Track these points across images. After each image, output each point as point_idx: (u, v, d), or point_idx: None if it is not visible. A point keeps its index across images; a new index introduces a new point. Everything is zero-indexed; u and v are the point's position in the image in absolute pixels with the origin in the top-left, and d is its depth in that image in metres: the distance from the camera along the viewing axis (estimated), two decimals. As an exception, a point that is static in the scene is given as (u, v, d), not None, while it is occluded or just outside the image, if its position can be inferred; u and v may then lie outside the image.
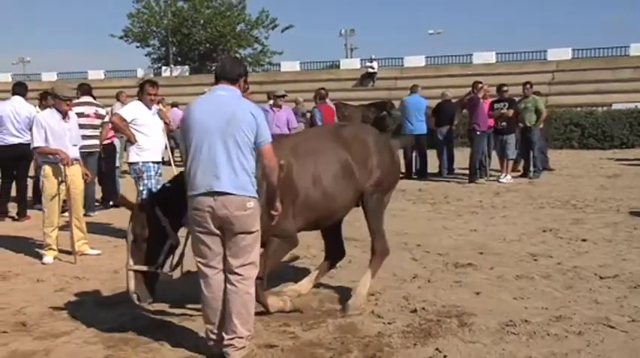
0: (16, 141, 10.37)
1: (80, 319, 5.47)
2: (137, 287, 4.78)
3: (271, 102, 12.27)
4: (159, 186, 8.44)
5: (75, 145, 7.92)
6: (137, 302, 4.82)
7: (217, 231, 4.48)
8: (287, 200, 5.04)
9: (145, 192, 8.29)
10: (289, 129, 11.60)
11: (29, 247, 8.40)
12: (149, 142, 8.41)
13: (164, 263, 4.92)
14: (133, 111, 8.50)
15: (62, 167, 7.63)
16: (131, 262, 4.81)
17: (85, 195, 10.86)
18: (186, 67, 47.03)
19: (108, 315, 5.51)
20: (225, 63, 4.86)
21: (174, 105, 20.83)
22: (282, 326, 5.22)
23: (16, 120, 10.38)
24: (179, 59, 50.12)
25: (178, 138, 5.43)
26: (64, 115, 7.79)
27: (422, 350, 4.63)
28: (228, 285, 4.52)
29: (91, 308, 5.76)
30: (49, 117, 7.75)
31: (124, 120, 8.40)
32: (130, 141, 8.44)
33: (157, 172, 8.53)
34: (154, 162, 8.46)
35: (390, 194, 6.12)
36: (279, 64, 45.80)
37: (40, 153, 7.84)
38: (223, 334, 4.54)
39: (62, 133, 7.70)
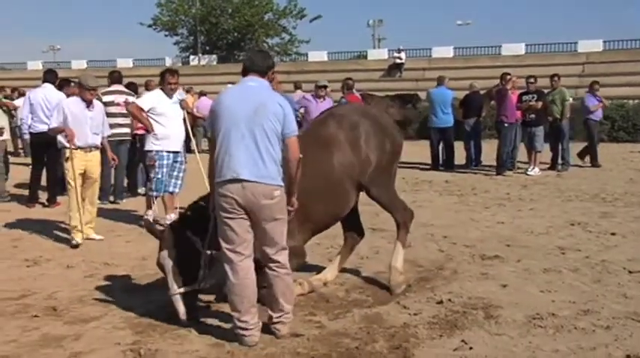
0: (46, 128, 10.49)
1: (109, 305, 5.56)
2: (187, 307, 4.95)
3: (308, 93, 12.33)
4: (176, 181, 8.63)
5: (96, 134, 8.13)
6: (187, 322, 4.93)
7: (245, 216, 4.56)
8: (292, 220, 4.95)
9: (154, 180, 8.49)
10: None
11: (60, 233, 8.53)
12: (166, 131, 8.50)
13: (205, 277, 5.02)
14: (152, 100, 8.61)
15: (67, 144, 7.86)
16: (175, 287, 4.93)
17: (115, 183, 11.06)
18: (214, 55, 47.16)
19: (136, 302, 5.58)
20: (255, 55, 4.95)
21: (202, 94, 20.93)
22: (308, 315, 5.25)
23: (46, 108, 10.49)
24: (207, 48, 50.27)
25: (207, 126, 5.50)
26: (89, 104, 8.02)
27: (448, 342, 4.62)
28: (269, 272, 4.70)
29: (120, 295, 5.83)
30: (73, 104, 8.08)
31: (142, 109, 8.52)
32: (148, 130, 8.55)
33: (175, 161, 8.66)
34: (169, 152, 8.56)
35: (395, 164, 5.97)
36: (307, 54, 45.76)
37: (51, 132, 8.20)
38: (271, 313, 4.75)
39: (84, 121, 7.98)
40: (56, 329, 5.01)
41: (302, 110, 11.91)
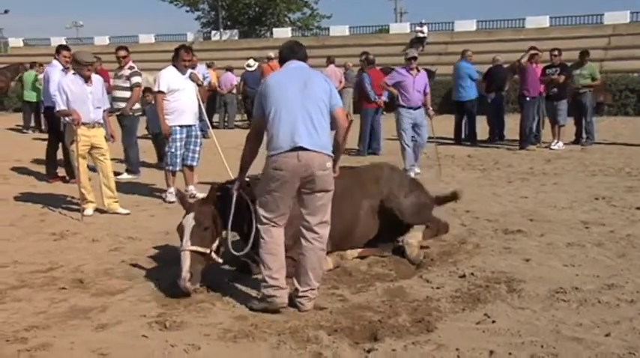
0: None
1: (134, 278, 5.64)
2: (192, 267, 5.01)
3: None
4: (193, 154, 8.73)
5: (98, 108, 8.25)
6: (185, 284, 4.97)
7: (292, 192, 4.75)
8: None
9: (168, 155, 8.71)
10: (424, 94, 10.94)
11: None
12: (179, 106, 8.64)
13: (218, 250, 5.25)
14: (167, 79, 8.68)
15: (74, 127, 7.98)
16: (189, 243, 5.06)
17: (127, 156, 11.15)
18: (236, 30, 46.91)
19: (160, 275, 5.64)
20: (293, 45, 5.22)
21: (228, 69, 20.92)
22: (331, 289, 5.28)
23: None
24: (228, 23, 50.05)
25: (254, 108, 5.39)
26: (87, 80, 8.14)
27: (470, 315, 4.63)
28: (305, 242, 4.84)
29: (144, 268, 5.91)
30: (71, 81, 8.18)
31: (164, 97, 8.63)
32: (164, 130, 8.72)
33: (189, 135, 8.77)
34: (182, 126, 8.70)
35: None
36: (328, 29, 45.36)
37: (58, 114, 8.40)
38: (297, 286, 4.84)
39: (84, 97, 8.10)
40: (83, 301, 5.09)
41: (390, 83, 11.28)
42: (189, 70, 8.95)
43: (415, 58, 11.08)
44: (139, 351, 4.12)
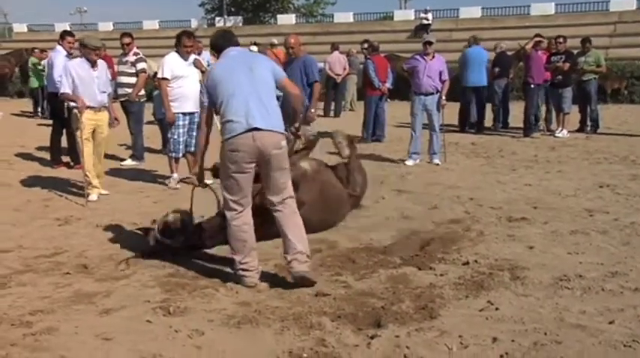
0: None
1: (138, 263, 5.65)
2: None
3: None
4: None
5: (103, 92, 8.34)
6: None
7: (251, 170, 4.95)
8: None
9: (171, 141, 8.80)
10: (441, 81, 10.55)
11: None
12: (181, 93, 8.65)
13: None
14: (170, 65, 8.70)
15: (78, 114, 8.06)
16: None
17: (134, 143, 11.17)
18: (240, 17, 46.80)
19: (164, 261, 5.65)
20: (225, 34, 5.54)
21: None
22: (335, 275, 5.28)
23: None
24: (232, 9, 49.92)
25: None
26: (93, 64, 8.21)
27: (474, 302, 4.63)
28: (276, 213, 5.04)
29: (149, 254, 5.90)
30: (78, 65, 8.25)
31: (168, 84, 8.66)
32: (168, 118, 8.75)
33: (191, 122, 8.77)
34: (185, 113, 8.72)
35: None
36: (333, 15, 45.19)
37: (64, 99, 8.52)
38: (285, 255, 5.02)
39: (90, 81, 8.19)
40: (87, 286, 5.11)
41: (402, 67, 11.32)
42: (193, 56, 8.94)
43: (430, 43, 10.70)
44: (143, 336, 4.13)
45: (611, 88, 21.19)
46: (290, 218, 5.05)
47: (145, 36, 35.26)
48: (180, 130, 8.72)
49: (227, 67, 5.12)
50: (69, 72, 8.13)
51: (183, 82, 8.63)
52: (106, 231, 6.80)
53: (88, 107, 8.06)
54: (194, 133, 8.76)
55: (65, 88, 8.17)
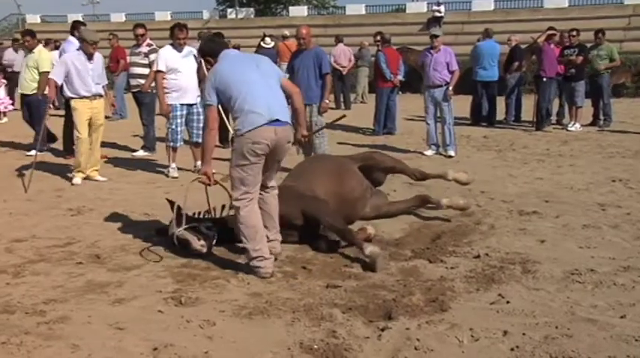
0: None
1: (150, 254, 5.68)
2: None
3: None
4: (197, 131, 8.93)
5: (98, 83, 8.75)
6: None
7: (263, 160, 5.05)
8: None
9: (169, 131, 8.99)
10: (450, 72, 10.64)
11: (100, 184, 8.71)
12: (177, 85, 8.82)
13: None
14: (165, 57, 8.89)
15: (71, 95, 8.64)
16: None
17: (146, 134, 11.22)
18: (252, 9, 46.72)
19: (176, 252, 5.68)
20: (216, 39, 6.13)
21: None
22: (346, 267, 5.30)
23: None
24: (244, 1, 49.85)
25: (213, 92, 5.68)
26: (90, 57, 8.65)
27: (484, 295, 4.63)
28: (265, 194, 5.32)
29: (160, 244, 5.93)
30: (75, 58, 8.71)
31: (163, 76, 8.81)
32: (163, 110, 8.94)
33: (190, 113, 8.98)
34: (183, 104, 8.90)
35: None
36: (344, 8, 45.04)
37: (48, 84, 8.96)
38: (268, 235, 5.25)
39: (86, 73, 8.63)
40: (100, 276, 5.15)
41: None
42: (190, 48, 9.07)
43: (435, 36, 10.87)
44: (155, 326, 4.16)
45: (617, 82, 21.00)
46: (275, 201, 5.41)
47: (157, 27, 35.28)
48: (178, 120, 8.93)
49: (234, 65, 5.17)
50: (66, 63, 8.60)
51: (179, 75, 8.83)
52: (118, 221, 6.84)
53: (84, 97, 8.56)
54: (194, 124, 8.97)
55: (54, 75, 8.64)
